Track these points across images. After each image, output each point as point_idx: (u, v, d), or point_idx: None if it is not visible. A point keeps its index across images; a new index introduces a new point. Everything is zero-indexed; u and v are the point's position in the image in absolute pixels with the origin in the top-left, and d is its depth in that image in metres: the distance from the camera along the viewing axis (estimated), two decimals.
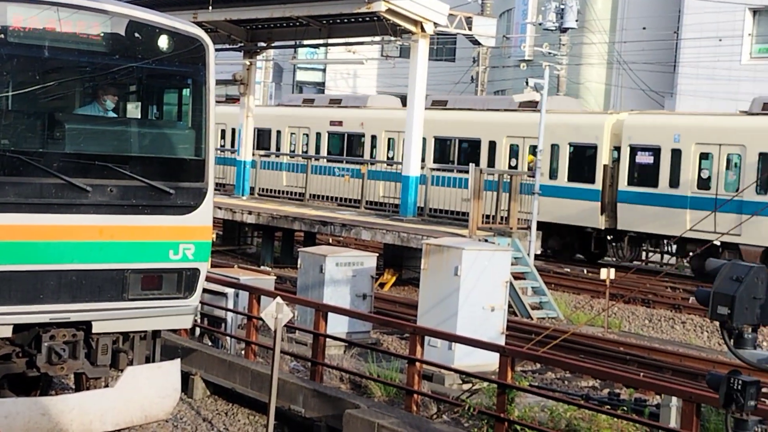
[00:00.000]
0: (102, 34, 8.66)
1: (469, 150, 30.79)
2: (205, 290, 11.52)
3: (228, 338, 13.72)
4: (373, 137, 33.07)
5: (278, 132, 36.32)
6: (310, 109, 36.15)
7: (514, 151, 29.79)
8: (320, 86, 59.50)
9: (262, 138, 35.89)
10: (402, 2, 21.91)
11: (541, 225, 23.74)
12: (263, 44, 28.57)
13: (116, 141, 9.13)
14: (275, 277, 16.27)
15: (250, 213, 25.18)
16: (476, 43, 36.79)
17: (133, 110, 9.81)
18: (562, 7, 38.81)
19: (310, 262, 15.41)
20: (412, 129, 23.31)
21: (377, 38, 24.47)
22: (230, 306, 13.62)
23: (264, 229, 26.43)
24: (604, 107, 43.11)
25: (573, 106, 31.54)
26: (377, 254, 17.52)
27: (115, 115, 9.37)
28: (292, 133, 35.89)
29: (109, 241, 8.54)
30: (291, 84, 60.81)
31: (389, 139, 32.66)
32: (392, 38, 23.35)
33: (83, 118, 9.01)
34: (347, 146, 33.95)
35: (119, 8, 8.86)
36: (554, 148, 28.79)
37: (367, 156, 32.43)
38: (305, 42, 28.83)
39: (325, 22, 25.32)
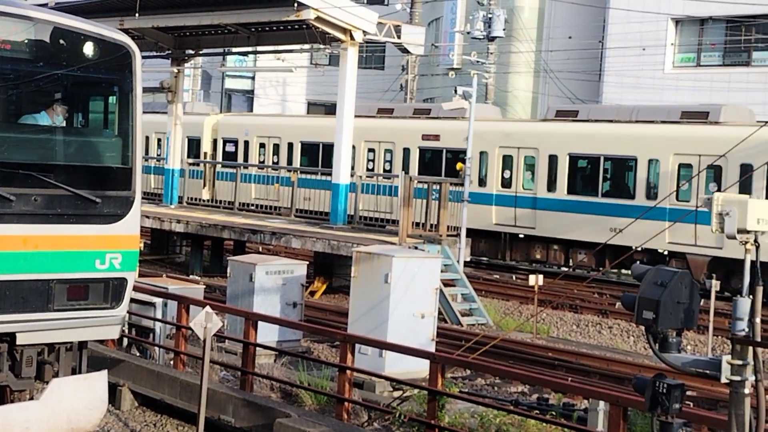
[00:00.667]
0: (26, 41, 8.51)
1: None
2: (132, 300, 11.37)
3: (156, 348, 13.55)
4: None
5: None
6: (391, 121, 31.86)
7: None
8: (249, 94, 59.16)
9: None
10: (331, 10, 21.91)
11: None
12: (191, 52, 28.34)
13: (41, 149, 8.97)
14: (204, 287, 16.13)
15: (178, 222, 24.93)
16: (405, 51, 36.84)
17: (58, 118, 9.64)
18: (489, 16, 39.17)
19: (240, 270, 15.31)
20: (341, 137, 23.30)
21: (306, 46, 24.45)
22: (159, 316, 13.47)
23: (193, 238, 26.19)
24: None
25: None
26: (308, 262, 17.46)
27: (40, 123, 9.21)
28: (370, 149, 31.56)
29: (33, 251, 8.38)
30: (220, 92, 60.35)
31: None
32: (321, 46, 23.36)
33: (6, 126, 8.84)
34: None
35: (43, 14, 8.71)
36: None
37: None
38: (234, 49, 28.66)
39: (254, 29, 25.21)
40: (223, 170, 32.59)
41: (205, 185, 32.43)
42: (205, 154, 35.42)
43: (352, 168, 25.87)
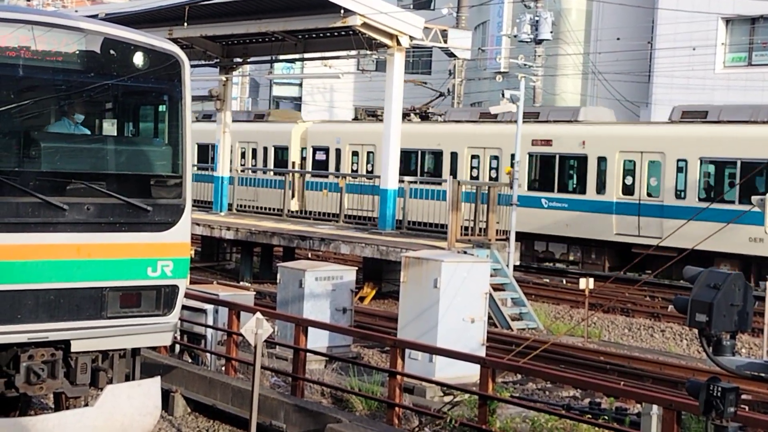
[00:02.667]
0: (77, 52, 8.63)
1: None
2: (184, 307, 11.46)
3: (208, 354, 13.66)
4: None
5: (453, 154, 30.64)
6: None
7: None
8: (297, 101, 59.50)
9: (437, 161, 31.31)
10: (377, 16, 21.96)
11: None
12: (239, 60, 28.56)
13: (93, 158, 9.10)
14: (254, 293, 16.23)
15: (228, 229, 25.12)
16: (452, 55, 36.95)
17: (110, 127, 9.77)
18: (536, 19, 39.02)
19: (290, 276, 15.38)
20: (389, 142, 23.33)
21: (353, 52, 24.52)
22: (210, 322, 13.57)
23: (243, 245, 26.37)
24: None
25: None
26: (357, 268, 17.50)
27: (92, 133, 9.33)
28: (474, 156, 30.42)
29: (86, 260, 8.49)
30: (267, 99, 60.77)
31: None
32: (368, 52, 23.39)
33: (59, 136, 8.97)
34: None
35: (94, 26, 8.84)
36: None
37: None
38: (281, 57, 28.84)
39: (300, 36, 25.34)
40: (314, 180, 31.97)
41: (294, 196, 31.11)
42: (293, 163, 34.27)
43: (454, 176, 26.04)
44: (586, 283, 19.20)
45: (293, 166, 33.88)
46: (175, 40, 17.57)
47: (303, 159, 34.78)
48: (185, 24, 23.24)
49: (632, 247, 26.35)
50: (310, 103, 56.80)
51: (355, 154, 33.15)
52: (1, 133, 8.54)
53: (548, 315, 21.73)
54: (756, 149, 24.11)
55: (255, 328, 9.67)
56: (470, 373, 11.71)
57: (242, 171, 32.13)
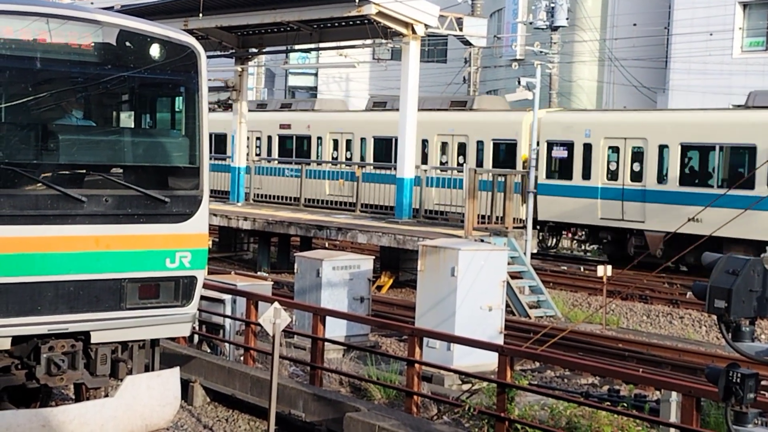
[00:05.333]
0: (93, 44, 8.65)
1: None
2: (202, 297, 11.50)
3: (227, 345, 13.71)
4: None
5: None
6: None
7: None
8: (313, 91, 59.52)
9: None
10: (392, 5, 21.93)
11: None
12: (254, 50, 28.59)
13: (110, 150, 9.13)
14: (272, 283, 16.26)
15: (245, 219, 25.18)
16: (467, 43, 36.88)
17: (127, 119, 9.80)
18: (552, 5, 38.82)
19: (307, 266, 15.42)
20: (405, 131, 23.31)
21: (368, 41, 24.50)
22: (228, 312, 13.62)
23: (260, 235, 26.43)
24: (597, 105, 43.17)
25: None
26: (374, 257, 17.52)
27: (109, 125, 9.36)
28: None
29: (105, 251, 8.53)
30: (283, 89, 60.82)
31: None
32: (383, 41, 23.38)
33: (76, 128, 9.01)
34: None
35: (110, 18, 8.86)
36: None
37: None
38: (296, 47, 28.83)
39: (315, 26, 25.34)
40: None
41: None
42: (525, 162, 27.31)
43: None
44: (603, 270, 19.16)
45: (524, 165, 27.08)
46: (190, 31, 17.62)
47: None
48: (200, 15, 23.28)
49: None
50: (325, 92, 56.80)
51: (614, 150, 27.25)
52: (19, 126, 8.59)
53: (566, 302, 21.70)
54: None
55: (273, 317, 9.70)
56: (488, 361, 11.71)
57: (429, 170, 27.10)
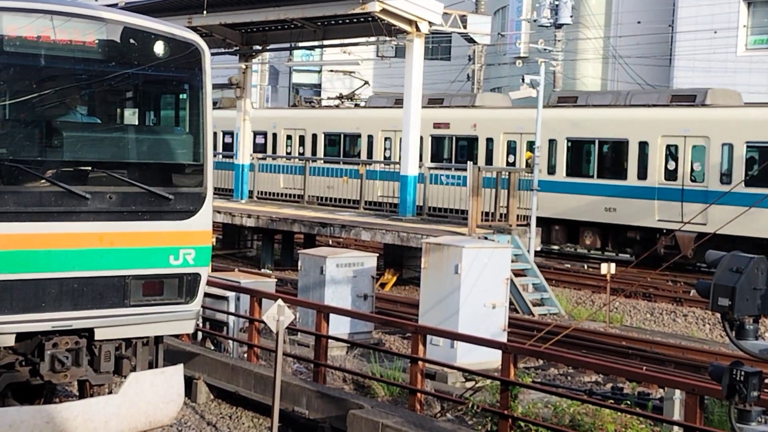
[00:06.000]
0: (97, 42, 8.66)
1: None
2: (206, 294, 11.52)
3: (230, 342, 13.73)
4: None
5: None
6: None
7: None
8: (317, 88, 59.52)
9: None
10: (396, 2, 21.91)
11: None
12: (258, 47, 28.57)
13: (114, 148, 9.14)
14: (276, 280, 16.28)
15: (249, 216, 25.20)
16: (471, 41, 36.89)
17: (131, 117, 9.81)
18: (556, 3, 38.75)
19: (311, 263, 15.42)
20: (409, 128, 23.31)
21: (372, 39, 24.49)
22: (232, 309, 13.63)
23: (264, 232, 26.44)
24: None
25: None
26: (377, 254, 17.52)
27: (113, 122, 9.36)
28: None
29: (109, 248, 8.54)
30: (287, 86, 60.84)
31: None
32: (387, 38, 23.35)
33: (80, 125, 9.01)
34: None
35: (114, 15, 8.86)
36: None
37: None
38: (300, 44, 28.81)
39: (319, 23, 25.33)
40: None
41: None
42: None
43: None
44: (607, 268, 19.14)
45: None
46: (194, 29, 17.61)
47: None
48: (204, 12, 23.27)
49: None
50: (329, 89, 56.79)
51: None
52: (23, 123, 8.60)
53: (570, 300, 21.69)
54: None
55: (276, 314, 9.71)
56: (492, 358, 11.72)
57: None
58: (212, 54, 10.40)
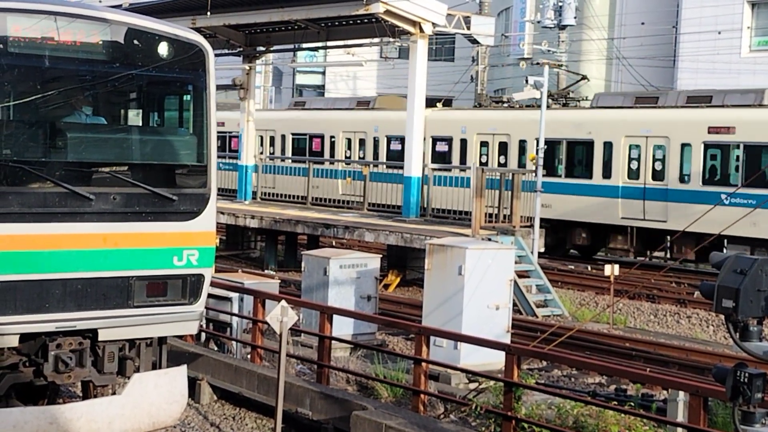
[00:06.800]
0: (101, 42, 8.67)
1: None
2: (209, 295, 11.53)
3: (234, 342, 13.73)
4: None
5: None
6: None
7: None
8: (320, 89, 59.52)
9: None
10: (400, 3, 21.92)
11: None
12: (262, 48, 28.59)
13: (118, 149, 9.15)
14: (279, 281, 16.28)
15: (252, 217, 25.20)
16: (475, 42, 36.82)
17: (135, 118, 9.82)
18: (560, 4, 38.80)
19: (314, 264, 15.42)
20: (413, 130, 23.30)
21: (376, 40, 24.50)
22: (235, 310, 13.64)
23: (267, 233, 26.45)
24: None
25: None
26: (381, 256, 17.51)
27: (117, 123, 9.37)
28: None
29: (113, 249, 8.55)
30: (291, 88, 60.85)
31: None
32: (391, 39, 23.37)
33: (84, 126, 9.02)
34: None
35: (118, 16, 8.87)
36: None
37: None
38: (304, 45, 28.84)
39: (323, 24, 25.34)
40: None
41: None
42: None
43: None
44: (611, 270, 19.13)
45: None
46: (198, 30, 17.64)
47: None
48: (208, 13, 23.28)
49: None
50: (333, 90, 56.83)
51: None
52: (27, 124, 8.60)
53: (573, 301, 21.68)
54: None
55: (280, 315, 9.71)
56: (495, 360, 11.70)
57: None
58: (216, 55, 10.41)
